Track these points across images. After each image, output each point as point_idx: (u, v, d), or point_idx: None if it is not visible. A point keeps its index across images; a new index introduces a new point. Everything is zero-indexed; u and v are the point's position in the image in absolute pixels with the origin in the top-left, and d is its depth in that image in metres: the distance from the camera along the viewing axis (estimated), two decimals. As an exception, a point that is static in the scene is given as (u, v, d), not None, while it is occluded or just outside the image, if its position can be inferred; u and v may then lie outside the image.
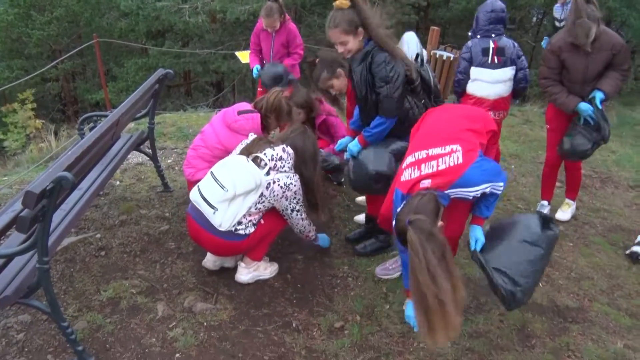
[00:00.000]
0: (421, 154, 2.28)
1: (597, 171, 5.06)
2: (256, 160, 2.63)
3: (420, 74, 2.85)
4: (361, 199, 3.85)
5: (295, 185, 2.68)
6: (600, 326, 2.79)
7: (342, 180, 4.05)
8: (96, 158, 2.88)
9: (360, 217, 3.63)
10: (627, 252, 3.52)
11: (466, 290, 2.79)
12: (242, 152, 2.70)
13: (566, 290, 3.07)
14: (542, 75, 3.50)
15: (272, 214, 2.77)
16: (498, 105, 3.75)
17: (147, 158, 4.08)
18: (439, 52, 5.71)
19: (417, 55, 2.98)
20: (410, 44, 3.86)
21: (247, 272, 2.89)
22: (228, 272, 2.96)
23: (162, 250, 3.17)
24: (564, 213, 3.86)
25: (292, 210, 2.76)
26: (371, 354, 2.49)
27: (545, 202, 3.96)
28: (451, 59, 5.59)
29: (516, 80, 3.75)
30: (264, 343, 2.52)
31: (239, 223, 2.60)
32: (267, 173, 2.60)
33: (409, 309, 2.56)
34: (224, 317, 2.65)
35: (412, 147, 2.41)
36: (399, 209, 2.17)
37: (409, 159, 2.33)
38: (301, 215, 2.82)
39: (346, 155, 3.02)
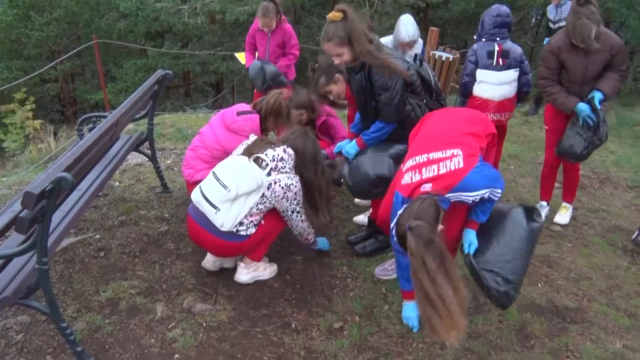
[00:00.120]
0: (422, 158, 2.29)
1: (596, 172, 5.06)
2: (257, 161, 2.63)
3: (420, 74, 2.86)
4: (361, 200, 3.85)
5: (295, 186, 2.69)
6: (599, 326, 2.79)
7: (342, 181, 4.05)
8: (95, 159, 2.88)
9: (360, 218, 3.63)
10: (633, 237, 3.64)
11: (466, 290, 2.81)
12: (244, 153, 2.70)
13: (565, 291, 3.08)
14: (541, 75, 3.51)
15: (273, 214, 2.77)
16: (503, 106, 3.80)
17: (147, 159, 4.08)
18: (438, 53, 5.71)
19: (416, 55, 2.99)
20: (407, 25, 3.91)
21: (247, 273, 2.89)
22: (227, 273, 2.96)
23: (161, 251, 3.17)
24: (562, 217, 3.87)
25: (293, 212, 2.76)
26: (370, 354, 2.49)
27: (544, 203, 3.97)
28: (450, 59, 5.59)
29: (519, 84, 3.82)
30: (263, 344, 2.52)
31: (241, 224, 2.60)
32: (269, 174, 2.61)
33: (406, 310, 2.57)
34: (223, 318, 2.66)
35: (413, 150, 2.41)
36: (399, 212, 2.17)
37: (409, 162, 2.33)
38: (301, 217, 2.82)
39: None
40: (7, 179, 4.39)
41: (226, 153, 2.99)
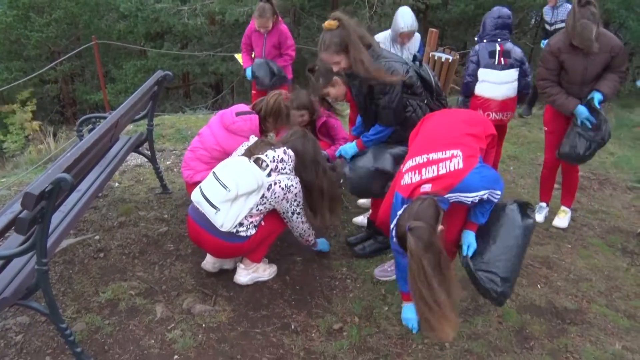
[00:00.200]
0: (422, 158, 2.29)
1: (596, 173, 5.07)
2: (258, 162, 2.63)
3: (420, 74, 2.86)
4: (362, 201, 3.85)
5: (295, 188, 2.69)
6: (599, 328, 2.79)
7: (342, 181, 4.04)
8: (95, 160, 2.88)
9: (359, 219, 3.63)
10: (639, 231, 3.70)
11: (465, 292, 2.82)
12: (244, 154, 2.71)
13: (564, 292, 3.08)
14: (540, 76, 3.52)
15: (273, 215, 2.77)
16: (505, 105, 3.82)
17: (146, 160, 4.08)
18: (437, 54, 5.72)
19: (415, 56, 3.00)
20: (404, 15, 3.94)
21: (246, 274, 2.89)
22: (227, 274, 2.96)
23: (161, 252, 3.17)
24: (562, 220, 3.86)
25: (293, 213, 2.76)
26: (370, 355, 2.49)
27: (543, 204, 3.97)
28: (449, 60, 5.60)
29: (519, 86, 3.85)
30: (262, 345, 2.52)
31: (241, 224, 2.60)
32: (269, 174, 2.61)
33: (406, 311, 2.58)
34: (223, 319, 2.65)
35: (413, 151, 2.42)
36: (399, 213, 2.18)
37: (409, 163, 2.34)
38: (301, 218, 2.82)
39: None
40: (7, 180, 4.39)
41: (225, 154, 2.99)
